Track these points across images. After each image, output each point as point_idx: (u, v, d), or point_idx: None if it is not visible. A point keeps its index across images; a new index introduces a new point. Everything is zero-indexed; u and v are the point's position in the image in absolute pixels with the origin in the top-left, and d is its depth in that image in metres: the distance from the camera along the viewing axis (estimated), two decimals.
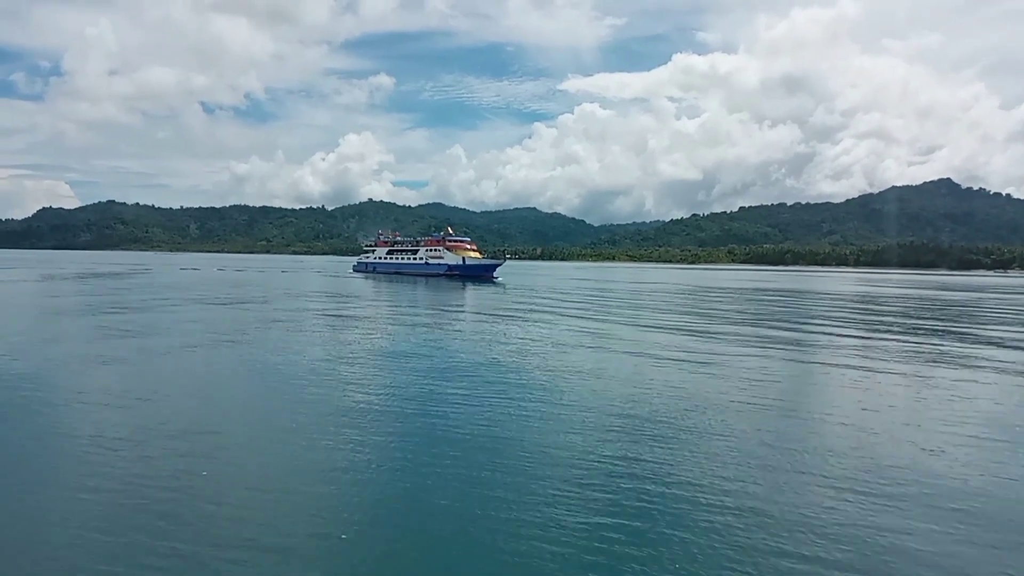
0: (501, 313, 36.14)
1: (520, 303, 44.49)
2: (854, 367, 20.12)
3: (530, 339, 24.88)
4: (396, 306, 40.90)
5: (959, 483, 10.00)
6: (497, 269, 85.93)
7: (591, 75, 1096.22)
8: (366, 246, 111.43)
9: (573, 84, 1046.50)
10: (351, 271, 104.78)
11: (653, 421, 12.95)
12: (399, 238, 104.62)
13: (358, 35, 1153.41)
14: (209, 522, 8.17)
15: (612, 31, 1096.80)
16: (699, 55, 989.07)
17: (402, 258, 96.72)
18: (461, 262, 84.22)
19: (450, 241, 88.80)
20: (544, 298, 50.44)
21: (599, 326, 30.85)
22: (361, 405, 13.88)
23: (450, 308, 39.89)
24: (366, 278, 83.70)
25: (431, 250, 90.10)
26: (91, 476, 9.58)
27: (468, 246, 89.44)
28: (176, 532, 7.83)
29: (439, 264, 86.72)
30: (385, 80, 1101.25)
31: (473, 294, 53.59)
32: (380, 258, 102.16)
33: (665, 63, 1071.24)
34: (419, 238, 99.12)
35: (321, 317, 32.17)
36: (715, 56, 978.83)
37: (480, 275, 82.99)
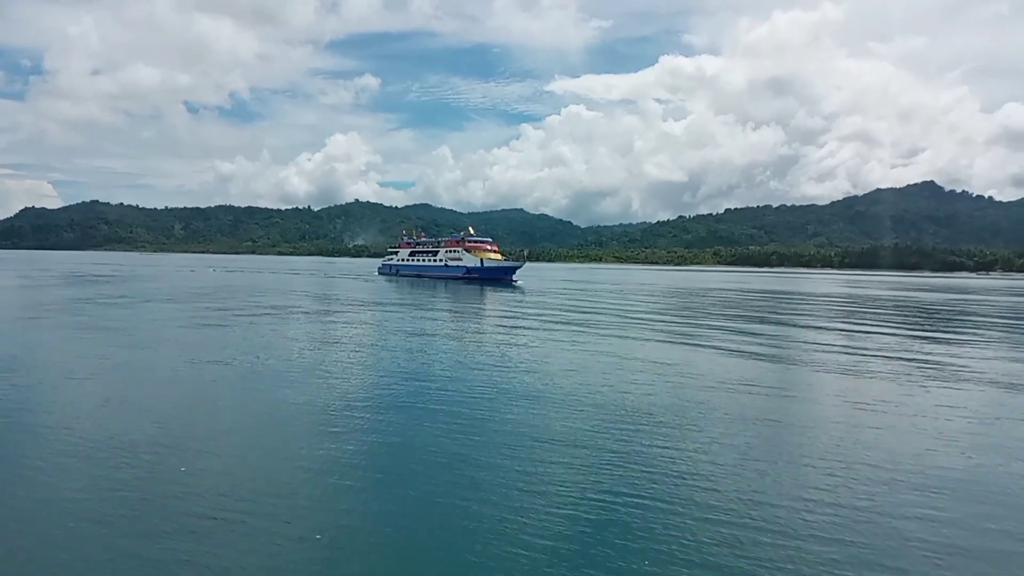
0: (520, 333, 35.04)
1: (547, 314, 42.43)
2: (840, 366, 19.83)
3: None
4: (393, 320, 40.11)
5: (948, 473, 10.00)
6: (517, 271, 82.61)
7: (578, 76, 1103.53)
8: (389, 248, 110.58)
9: (560, 85, 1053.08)
10: (376, 273, 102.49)
11: (654, 419, 12.43)
12: (424, 238, 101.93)
13: (343, 35, 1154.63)
14: (183, 519, 7.99)
15: (599, 33, 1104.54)
16: (686, 57, 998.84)
17: (423, 260, 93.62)
18: (480, 264, 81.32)
19: (470, 242, 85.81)
20: (582, 307, 44.79)
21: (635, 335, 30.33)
22: (349, 410, 13.17)
23: (461, 315, 39.21)
24: (389, 280, 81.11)
25: (450, 251, 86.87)
26: (68, 469, 9.58)
27: (489, 247, 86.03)
28: (150, 530, 7.72)
29: (458, 266, 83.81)
30: (371, 80, 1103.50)
31: (484, 300, 49.38)
32: (403, 260, 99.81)
33: (652, 65, 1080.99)
34: (440, 239, 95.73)
35: (319, 322, 31.41)
36: (701, 58, 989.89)
37: (499, 278, 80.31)
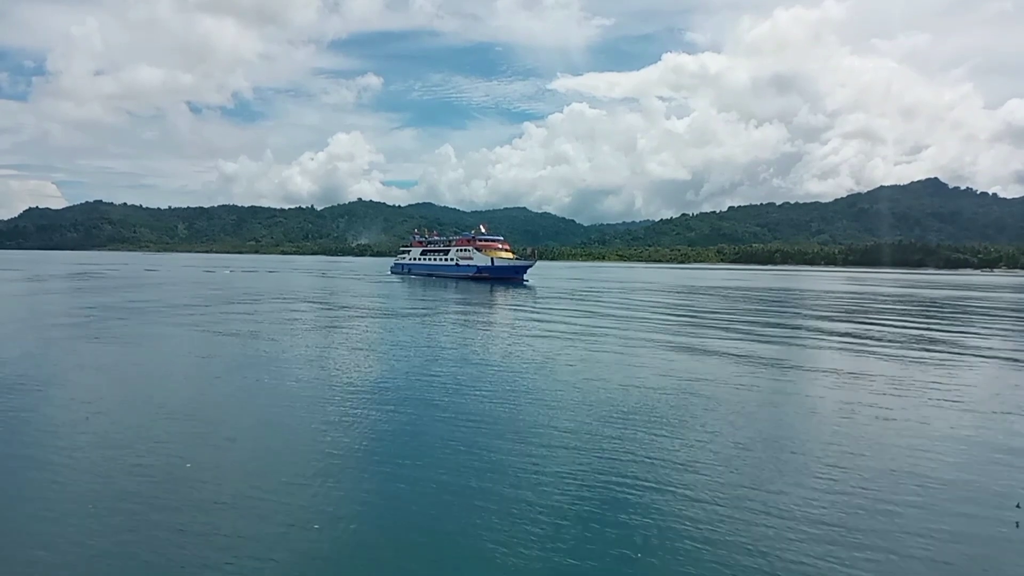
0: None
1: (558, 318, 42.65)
2: (845, 363, 20.08)
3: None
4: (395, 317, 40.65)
5: (945, 468, 10.03)
6: (528, 271, 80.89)
7: (580, 75, 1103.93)
8: (402, 247, 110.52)
9: (562, 84, 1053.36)
10: (388, 272, 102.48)
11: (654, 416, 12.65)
12: (436, 237, 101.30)
13: (345, 35, 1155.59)
14: (185, 512, 8.20)
15: (601, 31, 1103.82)
16: (688, 54, 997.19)
17: (434, 259, 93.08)
18: (491, 263, 79.93)
19: (480, 240, 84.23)
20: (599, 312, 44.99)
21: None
22: (348, 407, 13.47)
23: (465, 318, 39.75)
24: (402, 280, 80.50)
25: (461, 250, 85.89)
26: (74, 463, 9.76)
27: (499, 246, 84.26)
28: (151, 521, 7.92)
29: (468, 265, 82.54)
30: (373, 80, 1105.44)
31: (499, 300, 48.72)
32: (414, 259, 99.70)
33: (655, 63, 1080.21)
34: (451, 237, 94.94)
35: (318, 323, 32.19)
36: (704, 56, 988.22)
37: (510, 277, 79.01)
